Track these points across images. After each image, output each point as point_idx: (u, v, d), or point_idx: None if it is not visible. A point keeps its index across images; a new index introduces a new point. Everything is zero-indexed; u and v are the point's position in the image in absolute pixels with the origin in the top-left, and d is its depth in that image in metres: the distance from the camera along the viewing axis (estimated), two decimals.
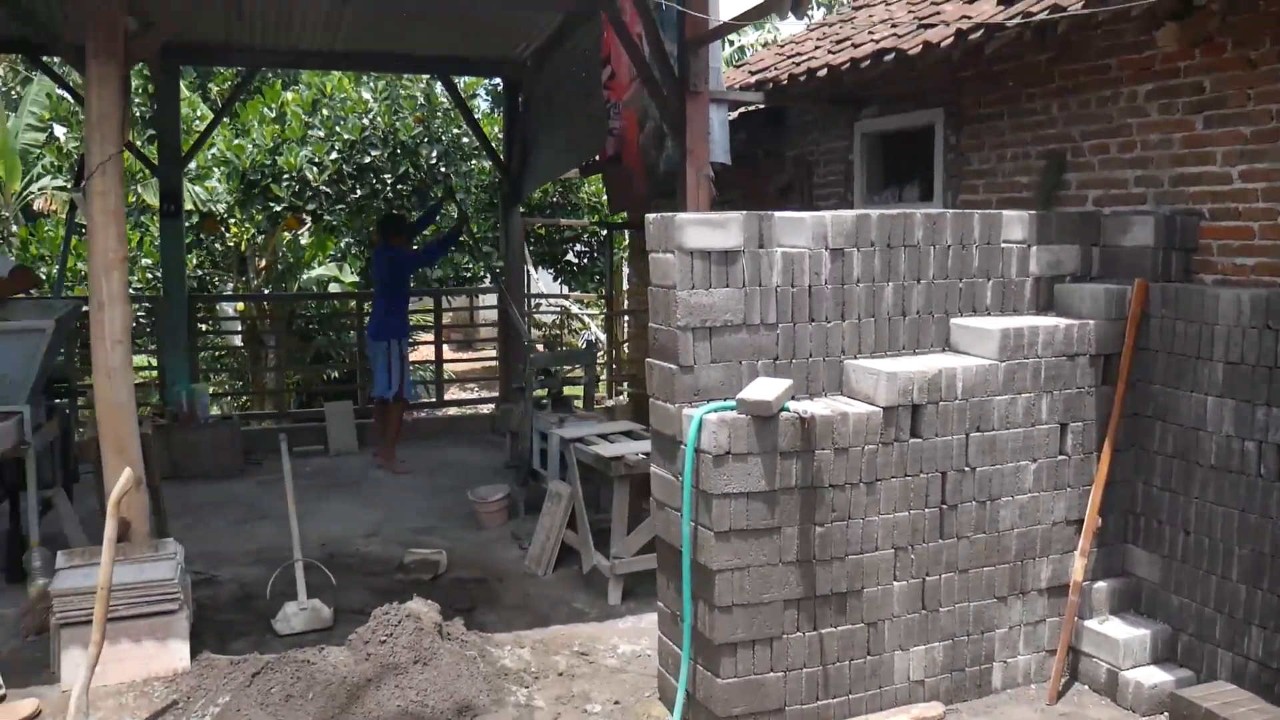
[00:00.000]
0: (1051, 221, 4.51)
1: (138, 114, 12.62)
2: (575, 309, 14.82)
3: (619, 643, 5.00)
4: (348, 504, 7.51)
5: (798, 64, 6.48)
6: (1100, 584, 4.43)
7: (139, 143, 11.60)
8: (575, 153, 8.49)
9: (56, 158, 14.94)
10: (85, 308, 7.26)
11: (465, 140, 11.66)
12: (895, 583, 4.04)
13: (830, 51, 6.21)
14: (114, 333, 4.98)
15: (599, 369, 7.12)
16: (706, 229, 3.79)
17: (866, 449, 3.89)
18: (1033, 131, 5.42)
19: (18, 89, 20.70)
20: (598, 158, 8.69)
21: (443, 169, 11.31)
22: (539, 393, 6.96)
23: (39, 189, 18.65)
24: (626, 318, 10.80)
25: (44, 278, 11.86)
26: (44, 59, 9.29)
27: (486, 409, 11.01)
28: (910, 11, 6.15)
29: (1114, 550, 4.49)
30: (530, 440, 6.78)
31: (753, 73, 7.17)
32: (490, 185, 12.84)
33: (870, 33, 6.07)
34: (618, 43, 7.68)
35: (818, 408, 3.83)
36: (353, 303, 11.78)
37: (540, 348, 7.01)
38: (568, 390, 7.47)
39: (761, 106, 7.47)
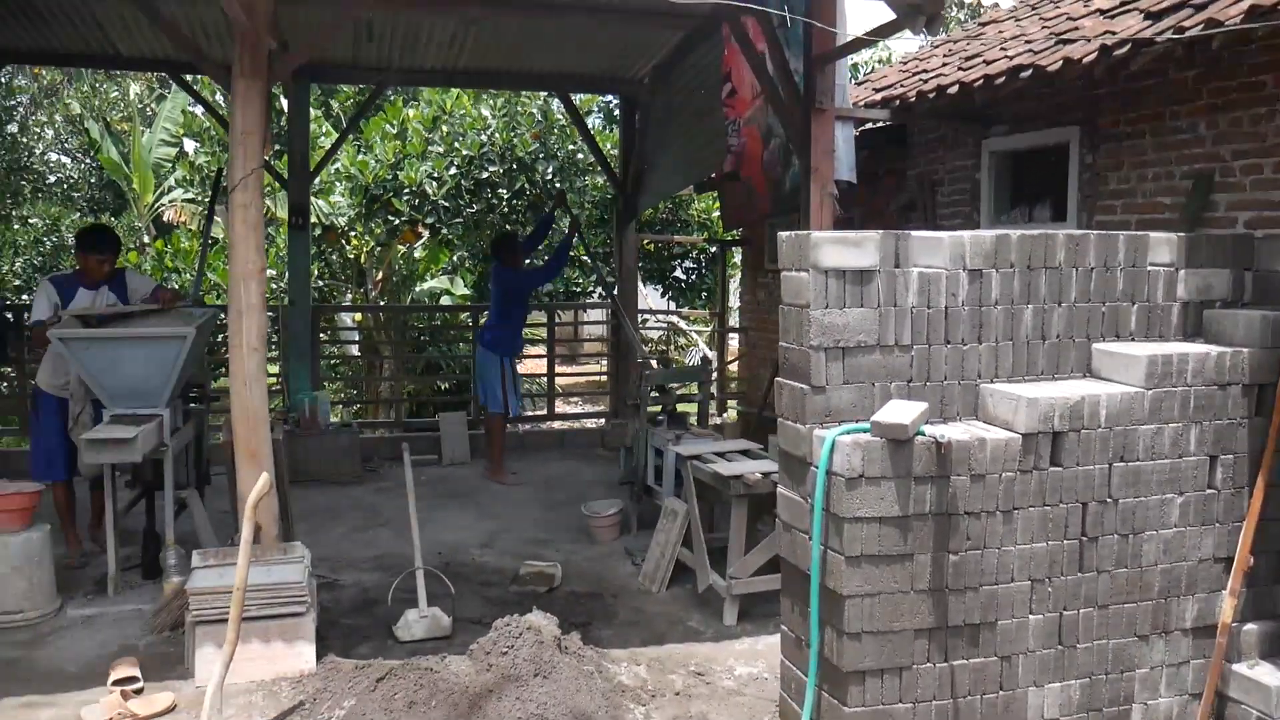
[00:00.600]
0: (1201, 244, 4.31)
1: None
2: (684, 325, 14.80)
3: (735, 664, 4.94)
4: (463, 513, 7.61)
5: (925, 81, 6.36)
6: (1250, 626, 4.20)
7: (268, 158, 12.03)
8: (692, 169, 8.49)
9: (187, 171, 15.60)
10: (222, 316, 7.59)
11: (580, 156, 11.78)
12: (1031, 616, 3.89)
13: (960, 68, 6.08)
14: (251, 340, 5.15)
15: (710, 386, 7.09)
16: (842, 247, 3.73)
17: (1004, 476, 3.76)
18: (1177, 150, 5.21)
19: (153, 105, 21.76)
20: (714, 175, 8.69)
21: (558, 184, 11.43)
22: (653, 409, 6.96)
23: (169, 201, 19.56)
24: (736, 335, 10.74)
25: (179, 287, 12.41)
26: (184, 76, 9.72)
27: (594, 423, 11.07)
28: (1045, 26, 5.98)
29: (1265, 591, 4.24)
30: (644, 456, 6.77)
31: (877, 89, 7.07)
32: (603, 202, 12.95)
33: (1002, 48, 5.92)
34: (740, 59, 7.68)
35: (954, 432, 3.72)
36: (464, 315, 12.01)
37: (655, 364, 6.97)
38: (680, 407, 7.44)
39: (884, 124, 7.36)
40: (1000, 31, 6.58)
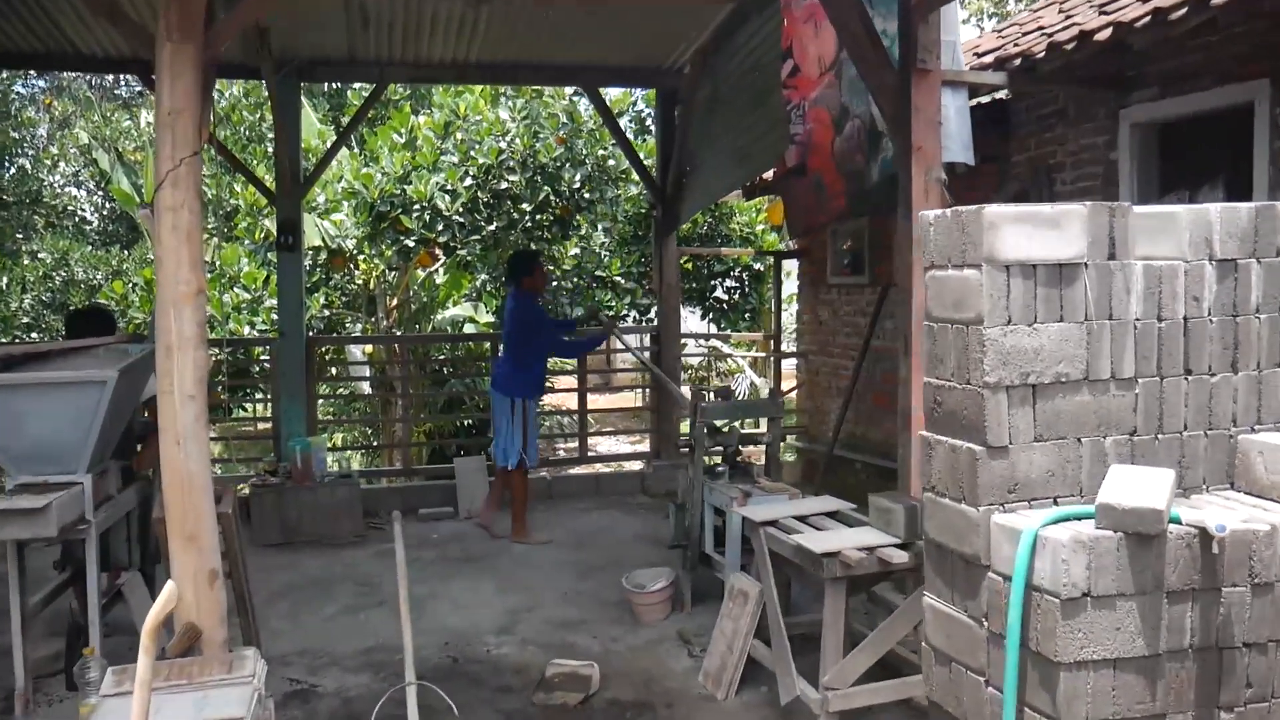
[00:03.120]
0: None
1: (269, 148, 11.98)
2: (727, 349, 13.44)
3: None
4: (478, 584, 6.28)
5: (1048, 33, 5.01)
6: None
7: (264, 174, 10.87)
8: (744, 167, 7.17)
9: None
10: None
11: (611, 163, 10.50)
12: None
13: (1103, 11, 4.72)
14: (184, 385, 3.87)
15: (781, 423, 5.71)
16: (1032, 229, 2.39)
17: None
18: None
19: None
20: (773, 171, 7.38)
21: (586, 194, 10.13)
22: (711, 452, 5.59)
23: None
24: (797, 360, 9.38)
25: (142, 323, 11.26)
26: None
27: (634, 465, 9.75)
28: None
29: None
30: (701, 515, 5.42)
31: (978, 54, 5.73)
32: (635, 216, 11.66)
33: None
34: (802, 29, 6.39)
35: (1230, 519, 2.36)
36: (487, 344, 10.72)
37: (711, 397, 5.64)
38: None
39: (981, 99, 6.03)
40: None
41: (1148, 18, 4.04)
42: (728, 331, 13.02)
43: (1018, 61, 4.97)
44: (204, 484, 3.94)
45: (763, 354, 16.26)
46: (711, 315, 14.65)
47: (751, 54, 7.02)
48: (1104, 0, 4.84)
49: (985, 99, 6.07)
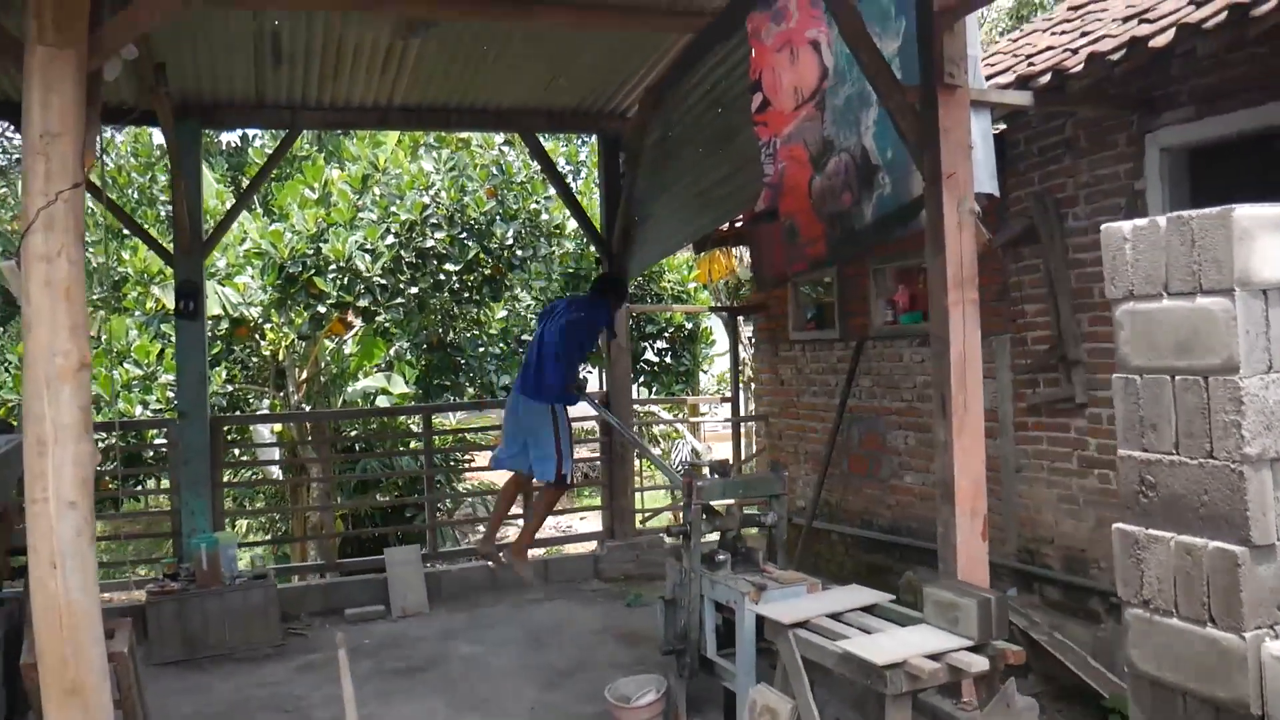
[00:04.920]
0: None
1: (161, 211, 10.92)
2: (665, 414, 12.72)
3: None
4: (426, 704, 5.31)
5: (1072, 49, 4.47)
6: None
7: (158, 235, 9.85)
8: (710, 213, 6.51)
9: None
10: None
11: (545, 218, 9.74)
12: None
13: (1143, 18, 4.19)
14: (63, 490, 2.96)
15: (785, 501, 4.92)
16: None
17: None
18: None
19: None
20: (740, 219, 6.73)
21: (519, 251, 9.35)
22: (708, 536, 4.77)
23: None
24: (756, 423, 8.69)
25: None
26: None
27: (582, 546, 8.90)
28: None
29: None
30: (700, 613, 4.61)
31: (988, 76, 5.19)
32: (571, 274, 10.91)
33: None
34: (772, 58, 5.79)
35: None
36: (408, 418, 9.77)
37: (706, 472, 4.87)
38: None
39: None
40: None
41: (1222, 15, 3.49)
42: (686, 395, 12.27)
43: (1045, 79, 4.40)
44: (90, 618, 3.01)
45: (694, 418, 15.57)
46: (642, 378, 13.96)
47: (713, 89, 6.40)
48: (1141, 8, 4.33)
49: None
